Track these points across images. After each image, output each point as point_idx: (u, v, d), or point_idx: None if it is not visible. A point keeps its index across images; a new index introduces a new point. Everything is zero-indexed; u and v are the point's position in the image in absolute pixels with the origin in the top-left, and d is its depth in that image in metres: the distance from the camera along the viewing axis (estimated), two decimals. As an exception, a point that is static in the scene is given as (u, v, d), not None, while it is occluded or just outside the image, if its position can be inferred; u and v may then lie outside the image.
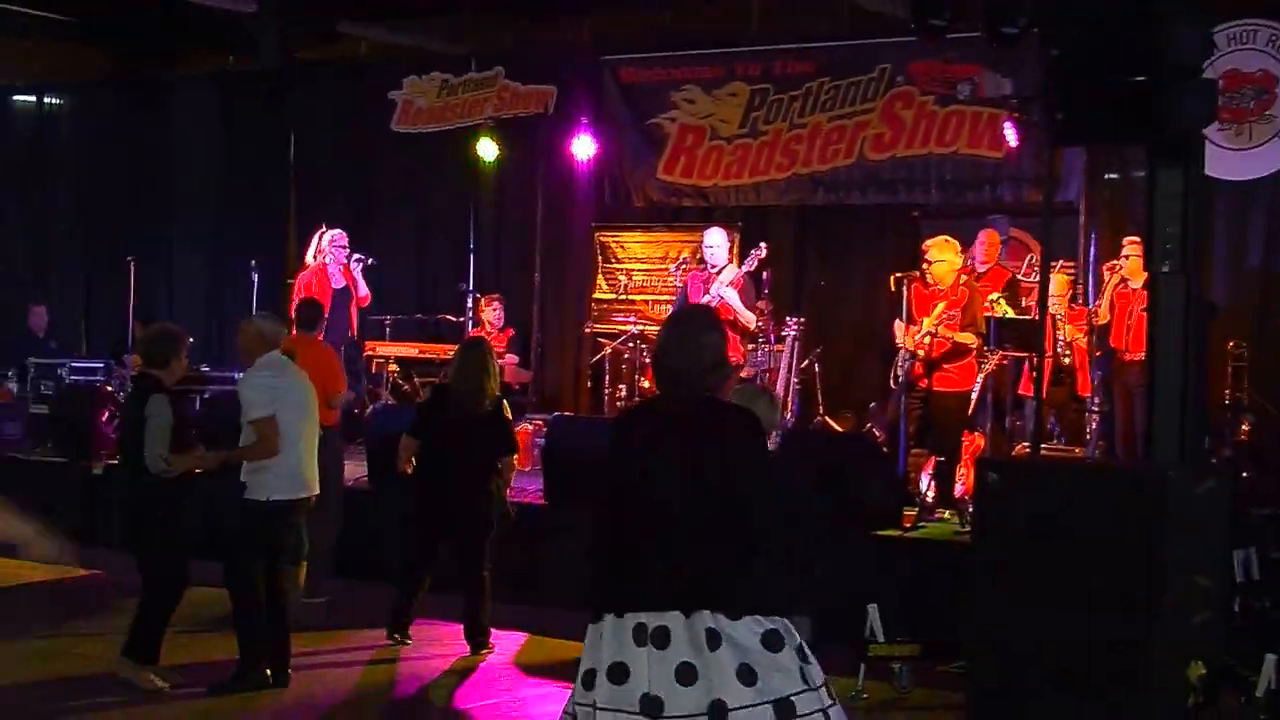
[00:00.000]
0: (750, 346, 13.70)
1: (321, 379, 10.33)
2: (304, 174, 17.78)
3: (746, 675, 5.03)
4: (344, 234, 14.90)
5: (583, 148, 16.63)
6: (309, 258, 14.86)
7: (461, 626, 10.37)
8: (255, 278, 16.56)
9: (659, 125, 17.03)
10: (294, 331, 11.10)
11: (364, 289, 15.01)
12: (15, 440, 16.29)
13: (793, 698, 5.06)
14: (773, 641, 5.11)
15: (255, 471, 9.12)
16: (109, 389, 15.79)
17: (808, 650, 5.22)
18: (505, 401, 10.53)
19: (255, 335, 9.40)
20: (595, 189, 17.42)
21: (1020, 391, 12.60)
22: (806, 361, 14.17)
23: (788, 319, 13.90)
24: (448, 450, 10.20)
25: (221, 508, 9.23)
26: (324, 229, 14.99)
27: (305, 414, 9.34)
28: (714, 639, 5.06)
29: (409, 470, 10.36)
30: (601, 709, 5.16)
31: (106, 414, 14.94)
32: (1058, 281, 12.96)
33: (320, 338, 11.86)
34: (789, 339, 13.74)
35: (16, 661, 9.92)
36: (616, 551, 5.34)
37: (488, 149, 16.91)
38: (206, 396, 15.32)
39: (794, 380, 13.76)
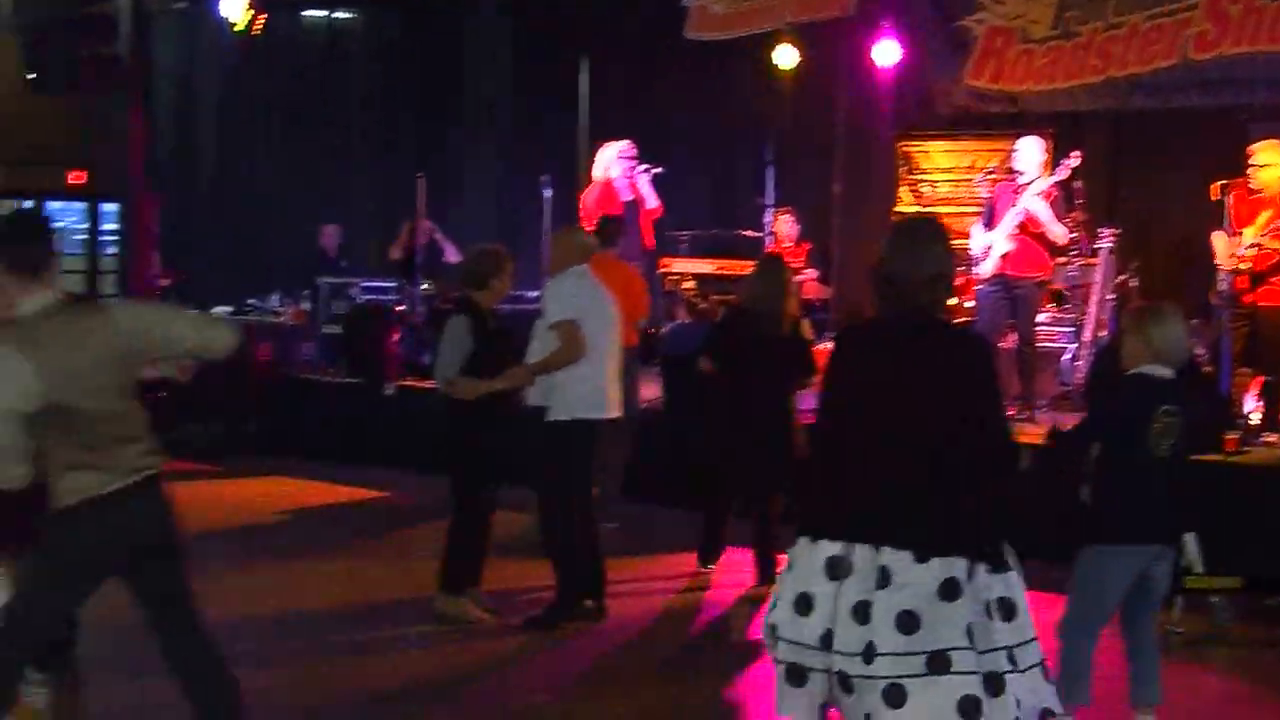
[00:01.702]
0: (1061, 261, 13.44)
1: (625, 300, 10.37)
2: (596, 87, 17.90)
3: (906, 622, 4.96)
4: (630, 144, 14.91)
5: (885, 53, 16.41)
6: (595, 172, 14.94)
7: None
8: (547, 195, 16.73)
9: (966, 28, 16.69)
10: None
11: (653, 200, 14.96)
12: (308, 361, 16.82)
13: (951, 652, 4.97)
14: (950, 590, 5.00)
15: (557, 389, 9.03)
16: (400, 309, 16.19)
17: (1019, 603, 5.13)
18: (805, 322, 10.48)
19: (574, 245, 9.39)
20: (898, 96, 17.18)
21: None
22: (1122, 276, 13.84)
23: (1101, 231, 13.60)
24: (743, 373, 10.18)
25: (526, 431, 9.25)
26: (610, 142, 15.02)
27: (610, 331, 9.23)
28: (884, 578, 5.00)
29: (706, 393, 10.39)
30: (783, 640, 5.13)
31: (398, 334, 15.31)
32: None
33: (616, 255, 11.95)
34: (1103, 253, 13.45)
35: (322, 584, 10.25)
36: (821, 476, 5.29)
37: (785, 56, 16.80)
38: (504, 314, 15.55)
39: (1108, 296, 13.46)
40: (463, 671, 8.40)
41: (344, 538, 11.96)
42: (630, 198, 14.73)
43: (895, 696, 4.94)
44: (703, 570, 10.54)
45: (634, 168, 14.77)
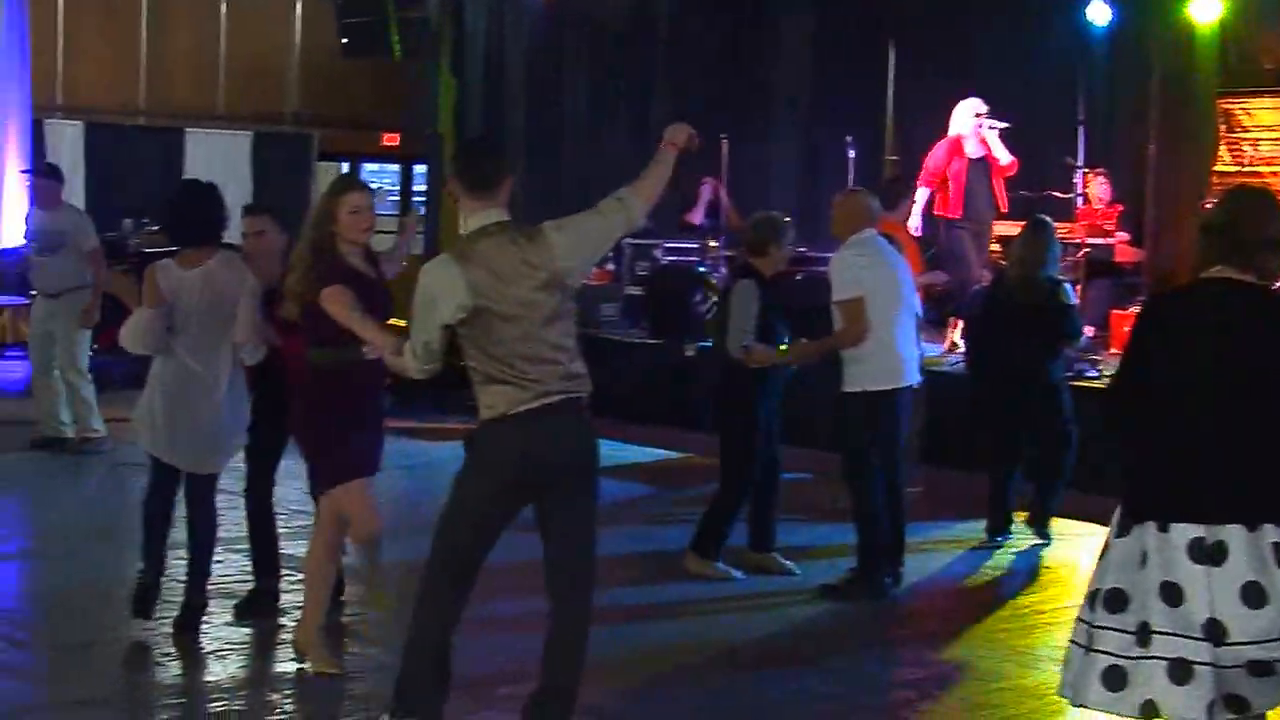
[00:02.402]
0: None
1: (901, 262, 10.39)
2: (901, 44, 17.73)
3: None
4: (980, 100, 14.69)
5: (1204, 7, 15.96)
6: (951, 128, 14.68)
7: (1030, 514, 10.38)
8: (851, 155, 16.66)
9: (1293, -25, 16.16)
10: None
11: (1005, 156, 14.68)
12: (612, 321, 17.03)
13: None
14: None
15: (852, 361, 9.01)
16: (702, 270, 16.29)
17: None
18: (1066, 287, 10.38)
19: (858, 208, 9.25)
20: (1218, 52, 16.68)
21: None
22: None
23: None
24: (1004, 337, 10.13)
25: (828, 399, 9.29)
26: (967, 99, 14.78)
27: (899, 297, 9.12)
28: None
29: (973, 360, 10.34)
30: (1157, 633, 4.99)
31: (699, 295, 15.42)
32: None
33: (898, 219, 11.93)
34: None
35: (618, 543, 10.37)
36: (1159, 454, 5.16)
37: (1099, 11, 16.45)
38: (800, 279, 15.57)
39: None
40: (759, 633, 8.50)
41: (639, 497, 12.14)
42: (980, 155, 14.50)
43: None
44: (993, 541, 10.43)
45: (983, 122, 14.52)
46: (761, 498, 9.56)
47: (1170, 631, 4.97)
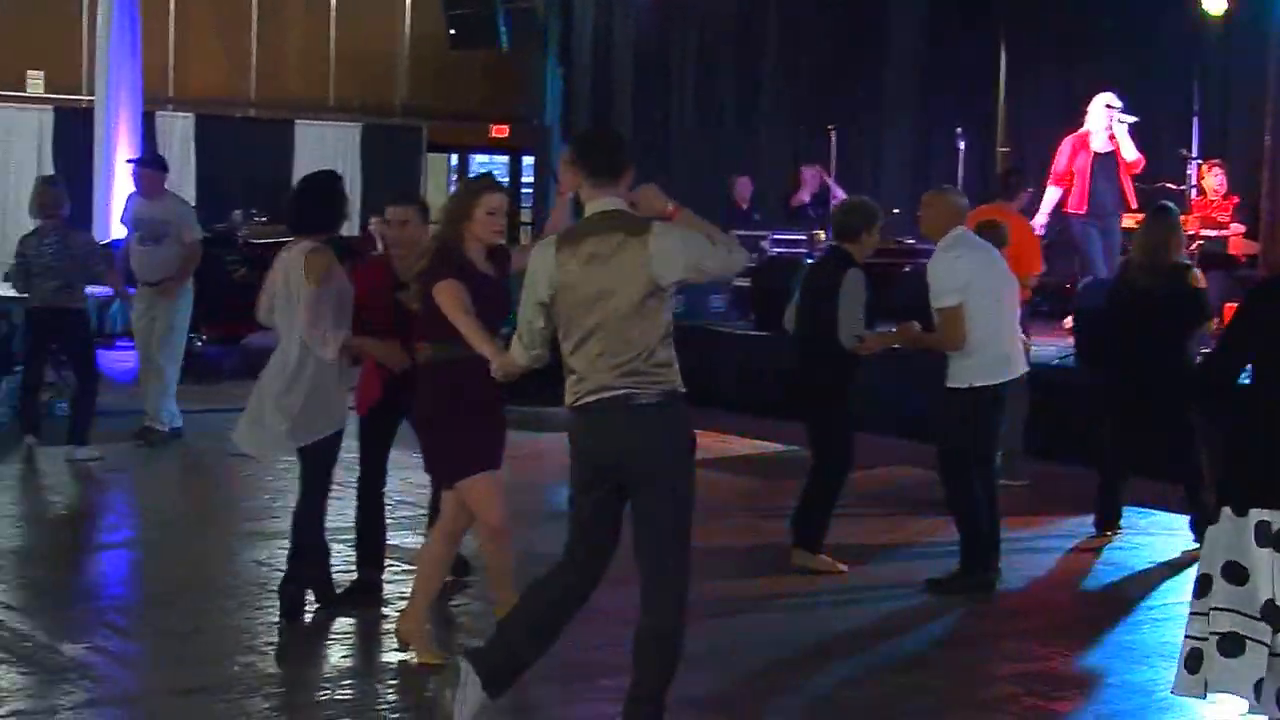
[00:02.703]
0: None
1: (1017, 255, 10.28)
2: (1013, 35, 17.59)
3: None
4: (1113, 94, 14.55)
5: (1323, -8, 15.72)
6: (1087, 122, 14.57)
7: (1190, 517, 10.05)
8: (961, 146, 16.57)
9: None
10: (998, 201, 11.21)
11: (1132, 153, 14.53)
12: (720, 312, 17.03)
13: None
14: None
15: (956, 358, 8.95)
16: (809, 261, 16.22)
17: None
18: (1194, 272, 10.23)
19: (946, 209, 9.18)
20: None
21: None
22: None
23: None
24: (1131, 325, 10.02)
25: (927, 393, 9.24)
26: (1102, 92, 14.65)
27: (999, 293, 9.03)
28: None
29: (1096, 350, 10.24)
30: (1217, 609, 4.98)
31: (805, 287, 15.37)
32: None
33: (1015, 209, 11.87)
34: None
35: (723, 535, 10.32)
36: (1241, 439, 5.12)
37: (1214, 1, 16.25)
38: (908, 270, 15.50)
39: None
40: (861, 626, 8.46)
41: (745, 490, 12.14)
42: (1108, 150, 14.37)
43: None
44: (1101, 535, 10.33)
45: (1114, 116, 14.37)
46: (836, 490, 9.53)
47: (1228, 608, 4.99)
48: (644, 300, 5.93)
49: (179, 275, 13.09)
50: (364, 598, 8.30)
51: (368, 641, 7.98)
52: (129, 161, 14.43)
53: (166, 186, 13.50)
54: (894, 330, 9.39)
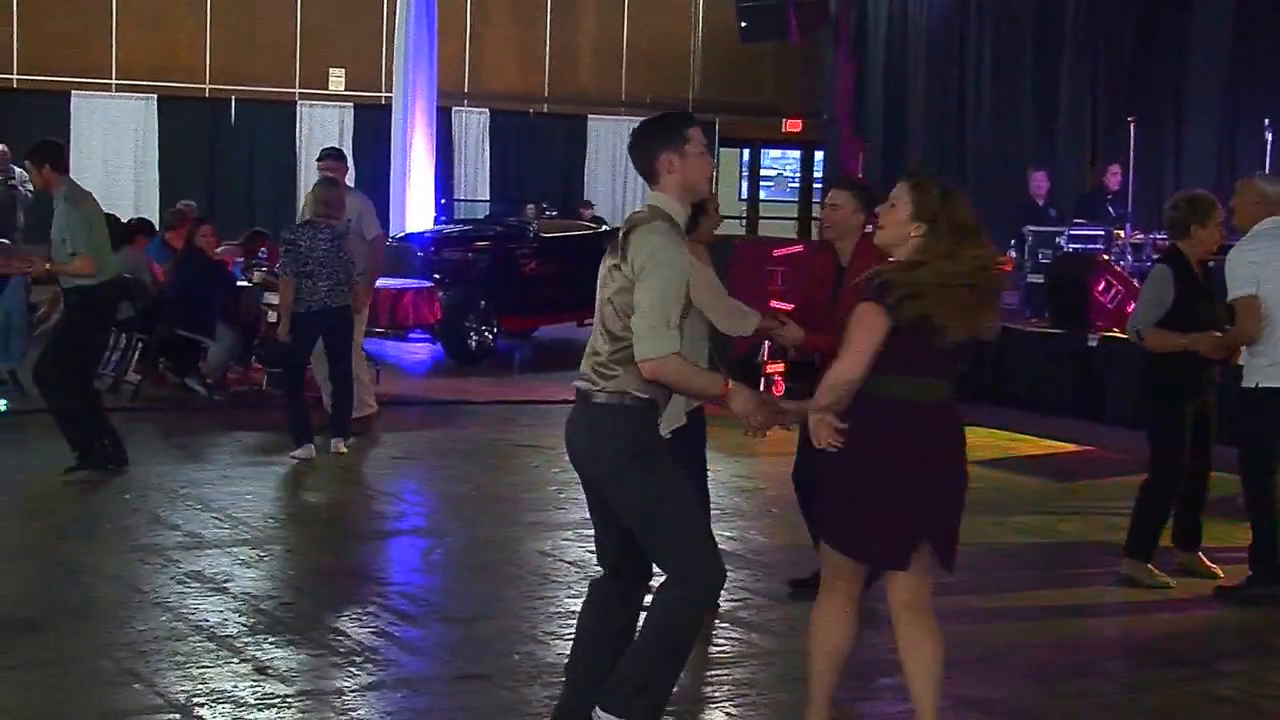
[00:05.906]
0: None
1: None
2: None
3: None
4: None
5: None
6: None
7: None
8: (1270, 137, 16.09)
9: None
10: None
11: None
12: (1013, 310, 16.78)
13: None
14: None
15: (1252, 355, 8.63)
16: (1106, 257, 15.92)
17: None
18: None
19: (1255, 197, 8.80)
20: None
21: None
22: None
23: None
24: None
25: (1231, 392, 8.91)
26: None
27: None
28: None
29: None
30: None
31: (1103, 283, 15.09)
32: None
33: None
34: None
35: (1004, 534, 10.27)
36: None
37: None
38: (1212, 267, 15.08)
39: None
40: (1157, 633, 8.29)
41: (1039, 490, 11.98)
42: None
43: None
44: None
45: None
46: (1188, 493, 9.08)
47: None
48: (619, 293, 5.77)
49: (367, 272, 12.86)
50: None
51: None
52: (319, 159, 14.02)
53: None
54: (1188, 337, 8.71)
